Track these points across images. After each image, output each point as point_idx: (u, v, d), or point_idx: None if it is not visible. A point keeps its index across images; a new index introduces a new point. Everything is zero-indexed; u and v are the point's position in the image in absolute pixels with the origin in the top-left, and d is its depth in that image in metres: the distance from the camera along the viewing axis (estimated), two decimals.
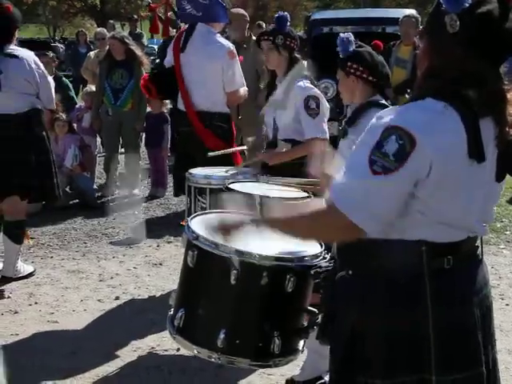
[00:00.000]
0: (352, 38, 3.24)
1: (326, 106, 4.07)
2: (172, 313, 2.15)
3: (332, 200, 1.74)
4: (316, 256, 2.07)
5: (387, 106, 2.81)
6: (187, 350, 2.13)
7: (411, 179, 1.71)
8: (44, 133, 4.94)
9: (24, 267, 5.03)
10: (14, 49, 4.78)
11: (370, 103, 3.17)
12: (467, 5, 1.70)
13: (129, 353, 3.85)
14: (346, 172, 1.76)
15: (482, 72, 1.73)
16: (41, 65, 4.88)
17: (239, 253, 1.98)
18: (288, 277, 1.98)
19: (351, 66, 3.21)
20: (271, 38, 4.11)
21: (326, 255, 2.08)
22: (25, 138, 4.78)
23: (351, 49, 3.23)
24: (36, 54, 5.06)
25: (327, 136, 4.04)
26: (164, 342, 3.90)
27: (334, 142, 4.40)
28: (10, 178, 4.78)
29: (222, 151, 4.36)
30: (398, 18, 8.27)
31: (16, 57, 4.72)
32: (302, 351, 2.13)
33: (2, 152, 4.71)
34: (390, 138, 1.69)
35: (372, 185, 1.70)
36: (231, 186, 3.44)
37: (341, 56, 3.25)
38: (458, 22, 1.71)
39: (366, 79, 3.21)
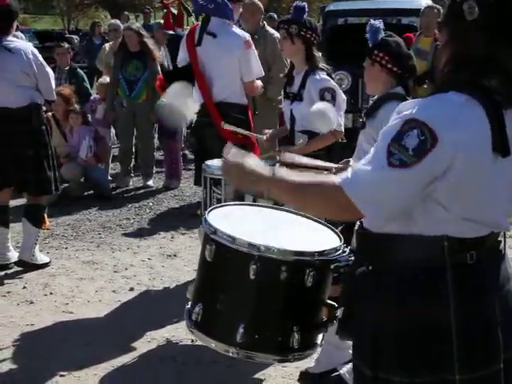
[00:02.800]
0: (382, 26, 3.20)
1: (342, 97, 4.05)
2: (190, 306, 2.13)
3: (341, 181, 1.74)
4: (336, 250, 2.05)
5: (407, 99, 2.78)
6: (204, 343, 2.12)
7: (428, 176, 1.68)
8: (44, 127, 4.96)
9: (40, 256, 5.06)
10: (11, 41, 4.78)
11: (390, 95, 3.14)
12: None
13: (143, 344, 3.86)
14: (364, 161, 1.75)
15: (505, 59, 1.70)
16: (39, 56, 4.86)
17: (258, 247, 1.97)
18: (308, 271, 1.96)
19: (377, 55, 3.17)
20: (286, 26, 4.10)
21: (346, 249, 2.06)
22: (25, 132, 4.79)
23: (380, 37, 3.19)
24: (51, 46, 5.07)
25: (342, 128, 4.02)
26: (178, 333, 3.91)
27: (348, 134, 4.40)
28: (8, 171, 4.79)
29: (239, 130, 4.32)
30: (414, 9, 8.19)
31: (13, 49, 4.72)
32: (321, 345, 2.11)
33: (1, 146, 4.72)
34: (412, 132, 1.66)
35: (386, 176, 1.69)
36: None
37: (369, 44, 3.21)
38: (477, 8, 1.68)
39: (390, 69, 3.18)
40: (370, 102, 3.38)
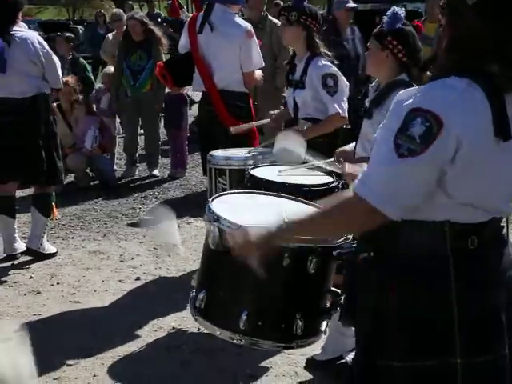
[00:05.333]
0: (404, 14, 3.16)
1: (344, 83, 4.03)
2: (194, 294, 2.14)
3: (354, 188, 1.72)
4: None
5: (413, 86, 2.75)
6: (209, 331, 2.12)
7: (439, 161, 1.67)
8: (51, 117, 4.96)
9: (48, 246, 5.08)
10: (17, 30, 4.77)
11: (396, 82, 3.10)
12: None
13: (150, 333, 3.87)
14: (372, 159, 1.74)
15: (505, 43, 1.69)
16: (45, 44, 4.86)
17: None
18: (310, 258, 1.97)
19: (391, 42, 3.11)
20: (286, 13, 4.09)
21: (349, 236, 2.05)
22: (32, 123, 4.79)
23: (398, 25, 3.15)
24: (52, 36, 5.05)
25: (346, 113, 4.00)
26: (185, 322, 3.92)
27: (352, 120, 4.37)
28: (18, 162, 4.80)
29: (245, 125, 4.31)
30: None
31: (19, 38, 4.71)
32: (325, 332, 2.11)
33: (10, 137, 4.73)
34: (416, 121, 1.66)
35: (400, 168, 1.67)
36: (253, 172, 3.41)
37: (384, 28, 3.14)
38: None
39: (400, 59, 3.15)
40: (370, 89, 3.35)
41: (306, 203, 2.32)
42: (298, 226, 1.85)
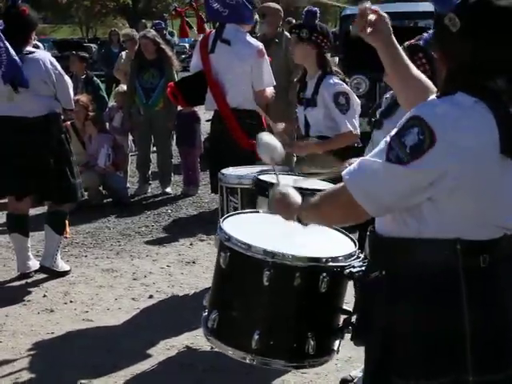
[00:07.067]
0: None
1: (356, 101, 4.04)
2: (206, 314, 2.14)
3: (344, 173, 1.79)
4: (350, 255, 2.05)
5: None
6: (222, 350, 2.12)
7: (423, 176, 1.69)
8: (63, 135, 4.99)
9: (62, 263, 5.11)
10: (30, 51, 4.83)
11: None
12: (458, 0, 1.69)
13: (163, 351, 3.87)
14: (372, 152, 1.78)
15: (504, 59, 1.69)
16: (57, 65, 4.90)
17: (271, 254, 1.97)
18: (321, 277, 1.96)
19: (421, 58, 3.11)
20: (297, 31, 4.10)
21: (360, 254, 2.05)
22: (43, 141, 4.82)
23: (426, 40, 3.17)
24: (66, 55, 5.11)
25: (358, 131, 4.01)
26: (198, 340, 3.91)
27: (364, 138, 4.38)
28: (29, 180, 4.83)
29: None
30: (430, 12, 8.15)
31: (32, 58, 4.77)
32: (338, 351, 2.10)
33: (22, 155, 4.77)
34: (412, 130, 1.68)
35: (382, 169, 1.71)
36: (261, 177, 3.42)
37: (420, 43, 3.16)
38: (457, 19, 1.69)
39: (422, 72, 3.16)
40: (383, 101, 3.36)
41: None
42: (309, 206, 1.94)
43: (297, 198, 2.02)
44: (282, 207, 2.04)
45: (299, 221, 1.98)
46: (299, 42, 4.08)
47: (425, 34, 3.19)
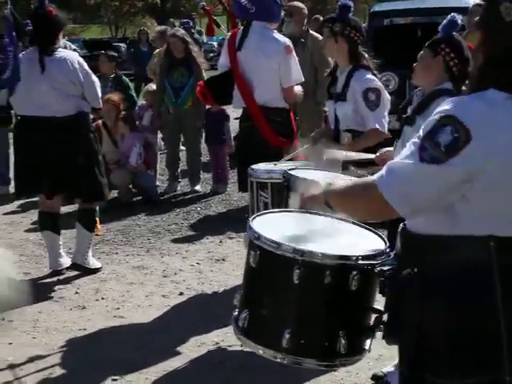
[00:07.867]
0: (461, 22, 3.17)
1: (387, 97, 4.00)
2: (236, 313, 2.15)
3: (375, 177, 1.78)
4: (380, 253, 2.03)
5: (457, 95, 2.74)
6: (252, 349, 2.12)
7: (459, 174, 1.68)
8: (92, 135, 5.04)
9: (93, 261, 5.17)
10: (58, 51, 4.87)
11: (441, 91, 3.09)
12: None
13: (193, 348, 3.89)
14: (401, 153, 1.77)
15: None
16: (85, 64, 4.94)
17: (301, 252, 1.97)
18: (352, 275, 1.95)
19: (444, 49, 3.13)
20: (330, 25, 4.07)
21: (391, 252, 2.04)
22: (72, 140, 4.87)
23: (453, 32, 3.16)
24: (95, 55, 5.15)
25: (386, 129, 3.97)
26: (228, 338, 3.93)
27: (394, 135, 4.34)
28: (59, 179, 4.89)
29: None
30: (461, 7, 8.06)
31: (60, 58, 4.82)
32: (369, 350, 2.09)
33: (51, 155, 4.82)
34: (446, 128, 1.67)
35: (418, 172, 1.70)
36: (291, 171, 3.41)
37: (439, 35, 3.17)
38: None
39: (450, 68, 3.14)
40: (414, 98, 3.34)
41: (343, 220, 2.30)
42: (332, 194, 1.96)
43: (321, 183, 2.05)
44: (308, 192, 2.08)
45: (328, 205, 1.99)
46: (331, 35, 4.04)
47: (442, 26, 3.17)
